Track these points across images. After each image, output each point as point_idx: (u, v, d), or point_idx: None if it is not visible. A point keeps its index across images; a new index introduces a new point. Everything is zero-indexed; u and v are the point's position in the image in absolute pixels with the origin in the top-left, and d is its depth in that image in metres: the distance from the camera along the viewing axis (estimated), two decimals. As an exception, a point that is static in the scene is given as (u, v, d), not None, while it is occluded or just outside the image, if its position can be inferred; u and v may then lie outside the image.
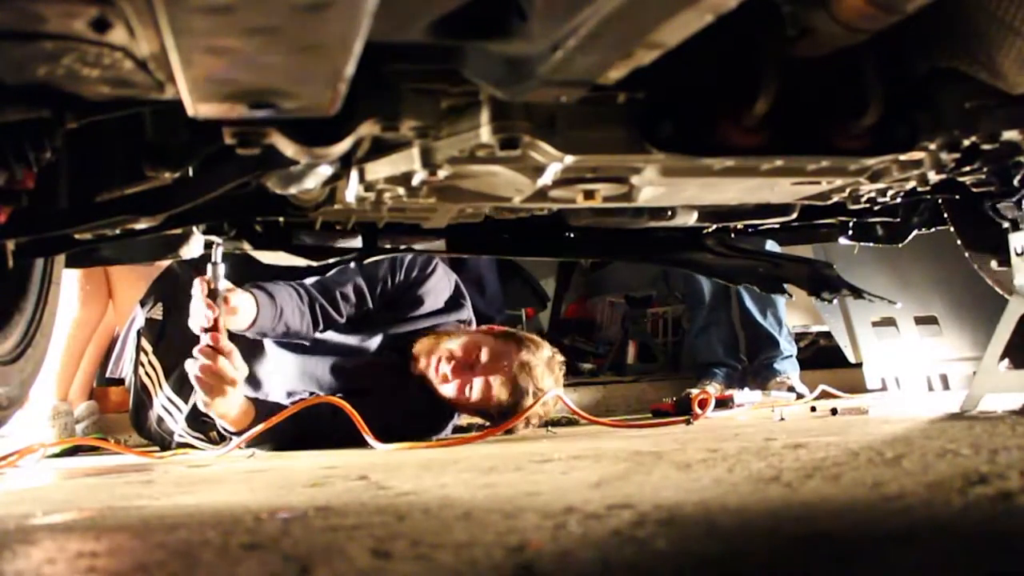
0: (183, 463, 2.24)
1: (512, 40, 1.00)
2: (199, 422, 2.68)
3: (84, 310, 3.01)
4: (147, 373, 2.87)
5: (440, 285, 2.80)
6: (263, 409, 2.42)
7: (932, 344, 3.73)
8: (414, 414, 2.60)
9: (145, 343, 2.87)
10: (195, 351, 2.26)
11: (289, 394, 2.64)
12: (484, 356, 2.54)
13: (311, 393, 2.61)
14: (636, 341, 4.64)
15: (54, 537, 1.04)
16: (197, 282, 2.30)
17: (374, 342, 2.72)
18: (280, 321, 2.52)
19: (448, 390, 2.55)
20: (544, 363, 2.57)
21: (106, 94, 1.10)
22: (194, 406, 2.70)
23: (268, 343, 2.72)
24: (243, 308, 2.39)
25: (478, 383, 2.52)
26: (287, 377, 2.68)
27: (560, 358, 2.67)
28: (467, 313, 2.85)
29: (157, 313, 2.90)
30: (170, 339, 2.83)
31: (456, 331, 2.71)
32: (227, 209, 1.71)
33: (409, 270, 2.75)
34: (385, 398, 2.58)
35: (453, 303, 2.83)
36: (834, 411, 2.65)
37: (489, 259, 4.24)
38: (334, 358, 2.69)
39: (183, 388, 2.75)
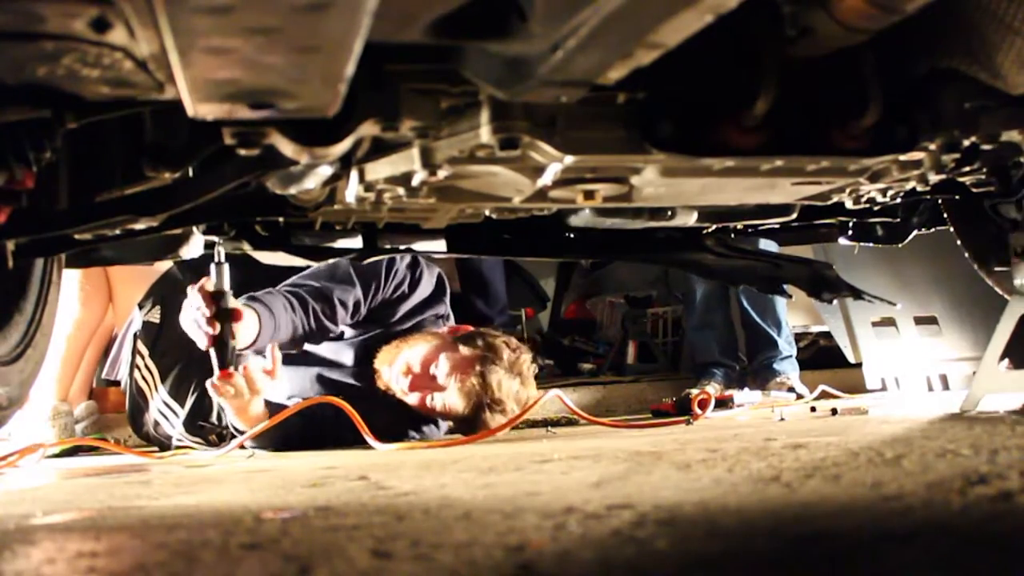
0: (183, 463, 2.24)
1: (512, 40, 1.00)
2: (197, 426, 2.68)
3: (84, 310, 3.01)
4: (143, 376, 2.86)
5: (422, 292, 2.76)
6: (272, 410, 2.42)
7: (932, 344, 3.74)
8: (397, 419, 2.59)
9: (141, 346, 2.87)
10: (210, 384, 2.27)
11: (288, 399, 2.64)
12: (441, 368, 2.50)
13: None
14: (636, 341, 4.64)
15: (54, 537, 1.04)
16: (192, 291, 2.24)
17: (349, 354, 2.71)
18: (277, 334, 2.49)
19: (412, 400, 2.55)
20: (505, 370, 2.52)
21: (106, 94, 1.10)
22: (191, 409, 2.70)
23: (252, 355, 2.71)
24: (247, 326, 2.34)
25: (438, 397, 2.51)
26: (277, 389, 2.67)
27: (527, 356, 2.61)
28: (444, 308, 2.83)
29: (154, 316, 2.89)
30: (167, 342, 2.82)
31: (418, 337, 2.65)
32: (227, 209, 1.71)
33: (399, 284, 2.69)
34: (370, 405, 2.57)
35: (432, 299, 2.80)
36: (834, 411, 2.65)
37: (493, 259, 4.23)
38: (317, 369, 2.69)
39: (180, 391, 2.75)
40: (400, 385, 2.54)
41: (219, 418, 2.66)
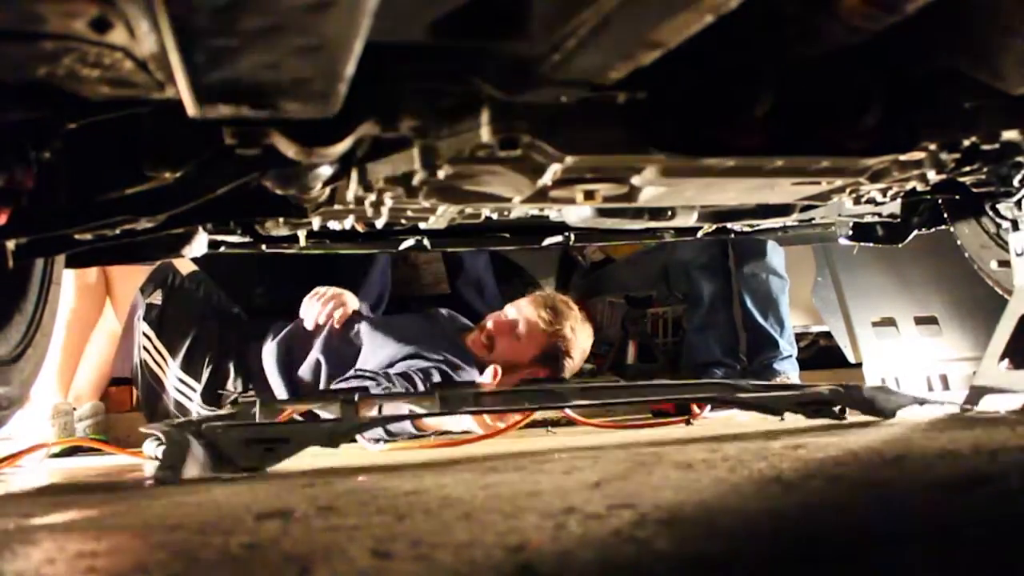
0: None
1: (512, 40, 1.00)
2: (214, 395, 2.83)
3: (81, 301, 3.01)
4: (153, 358, 2.94)
5: None
6: None
7: (932, 344, 3.73)
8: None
9: (148, 329, 2.96)
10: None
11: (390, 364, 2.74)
12: (521, 306, 2.93)
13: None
14: (636, 341, 4.63)
15: (54, 537, 1.04)
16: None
17: None
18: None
19: (500, 343, 2.85)
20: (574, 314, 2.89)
21: (106, 94, 1.10)
22: (208, 382, 2.84)
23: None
24: None
25: (523, 323, 2.85)
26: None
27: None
28: None
29: (157, 298, 2.99)
30: (172, 321, 2.95)
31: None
32: (227, 209, 1.71)
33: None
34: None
35: None
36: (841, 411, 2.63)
37: (487, 261, 4.29)
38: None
39: (192, 366, 2.88)
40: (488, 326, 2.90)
41: (235, 386, 2.79)
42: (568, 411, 2.60)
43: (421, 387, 2.54)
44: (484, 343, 2.87)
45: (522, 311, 2.89)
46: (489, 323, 2.92)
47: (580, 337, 2.92)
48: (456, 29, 0.99)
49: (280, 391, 2.83)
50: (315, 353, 2.82)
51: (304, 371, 2.83)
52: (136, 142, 1.40)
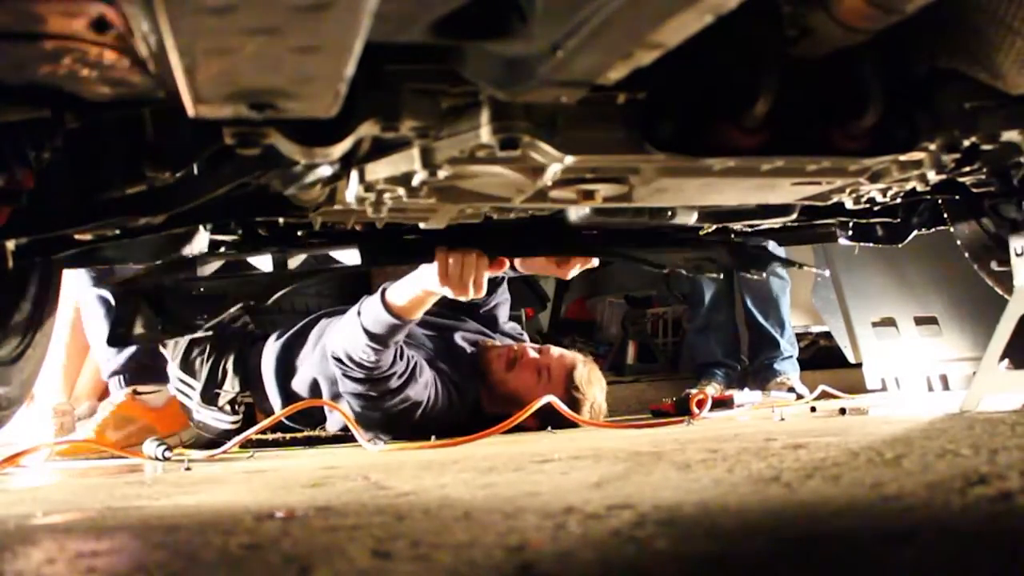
0: (182, 463, 2.24)
1: (512, 40, 1.00)
2: (212, 395, 2.85)
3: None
4: None
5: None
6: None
7: (932, 344, 3.74)
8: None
9: None
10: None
11: None
12: (548, 351, 2.79)
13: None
14: (636, 341, 4.64)
15: (54, 537, 1.04)
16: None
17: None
18: None
19: (520, 376, 2.72)
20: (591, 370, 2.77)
21: (106, 94, 1.10)
22: (206, 379, 2.86)
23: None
24: None
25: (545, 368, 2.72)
26: None
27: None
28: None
29: None
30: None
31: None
32: (227, 209, 1.71)
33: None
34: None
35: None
36: (842, 411, 2.64)
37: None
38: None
39: (189, 364, 2.90)
40: (510, 356, 2.77)
41: (233, 385, 2.86)
42: (566, 410, 2.60)
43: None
44: (506, 363, 2.76)
45: (561, 364, 2.75)
46: (526, 352, 2.80)
47: (593, 407, 2.76)
48: (456, 29, 0.99)
49: (273, 393, 2.82)
50: (311, 372, 2.78)
51: (299, 386, 2.80)
52: (136, 142, 1.40)
